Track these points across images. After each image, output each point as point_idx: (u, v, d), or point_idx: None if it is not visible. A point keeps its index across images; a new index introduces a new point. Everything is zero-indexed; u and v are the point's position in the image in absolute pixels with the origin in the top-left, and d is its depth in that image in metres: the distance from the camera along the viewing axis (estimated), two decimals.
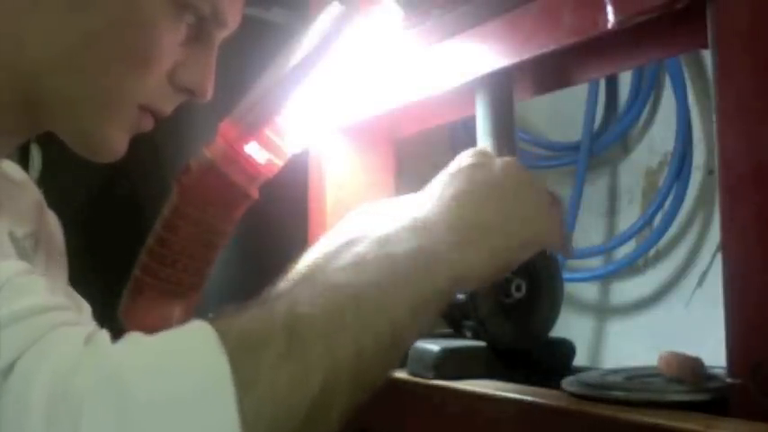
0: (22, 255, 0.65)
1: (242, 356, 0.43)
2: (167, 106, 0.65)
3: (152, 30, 0.60)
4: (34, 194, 0.74)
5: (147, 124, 0.65)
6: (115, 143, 0.63)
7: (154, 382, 0.41)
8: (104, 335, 0.45)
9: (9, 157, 0.69)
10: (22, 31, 0.58)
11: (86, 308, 0.78)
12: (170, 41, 0.61)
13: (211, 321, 0.46)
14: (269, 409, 0.42)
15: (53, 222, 0.77)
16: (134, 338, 0.44)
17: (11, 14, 0.58)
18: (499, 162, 0.61)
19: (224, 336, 0.43)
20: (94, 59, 0.59)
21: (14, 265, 0.46)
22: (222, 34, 0.66)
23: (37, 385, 0.40)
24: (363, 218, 0.71)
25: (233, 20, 0.65)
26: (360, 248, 0.53)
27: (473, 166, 0.60)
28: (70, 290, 0.77)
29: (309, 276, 0.52)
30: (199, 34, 0.64)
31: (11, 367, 0.40)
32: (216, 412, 0.41)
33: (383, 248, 0.53)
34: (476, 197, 0.58)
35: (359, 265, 0.52)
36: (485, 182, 0.59)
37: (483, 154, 0.62)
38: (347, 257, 0.52)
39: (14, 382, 0.40)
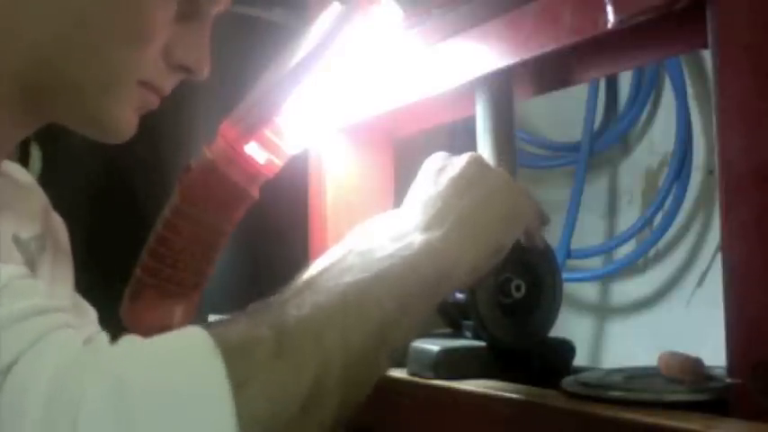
0: (28, 258, 0.65)
1: (235, 357, 0.43)
2: (166, 84, 0.65)
3: (143, 5, 0.60)
4: (41, 198, 0.74)
5: (153, 102, 0.65)
6: (122, 122, 0.63)
7: (151, 382, 0.41)
8: (103, 337, 0.45)
9: (10, 155, 0.69)
10: (15, 18, 0.58)
11: (92, 313, 0.77)
12: (162, 17, 0.61)
13: (204, 327, 0.46)
14: (263, 407, 0.43)
15: (59, 226, 0.76)
16: (131, 340, 0.45)
17: (3, 1, 0.58)
18: (465, 165, 0.63)
19: (217, 338, 0.44)
20: (88, 39, 0.59)
21: (13, 269, 0.47)
22: (215, 10, 0.66)
23: (35, 385, 0.40)
24: (359, 233, 0.71)
25: None
26: (345, 261, 0.55)
27: (453, 168, 0.62)
28: (77, 296, 0.76)
29: (296, 290, 0.53)
30: (191, 11, 0.63)
31: (9, 368, 0.40)
32: (213, 412, 0.41)
33: (366, 255, 0.54)
34: (462, 199, 0.60)
35: (343, 271, 0.53)
36: (468, 182, 0.61)
37: (474, 163, 0.63)
38: (333, 270, 0.54)
39: (13, 383, 0.40)
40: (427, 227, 0.58)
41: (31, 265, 0.65)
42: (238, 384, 0.42)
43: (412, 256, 0.55)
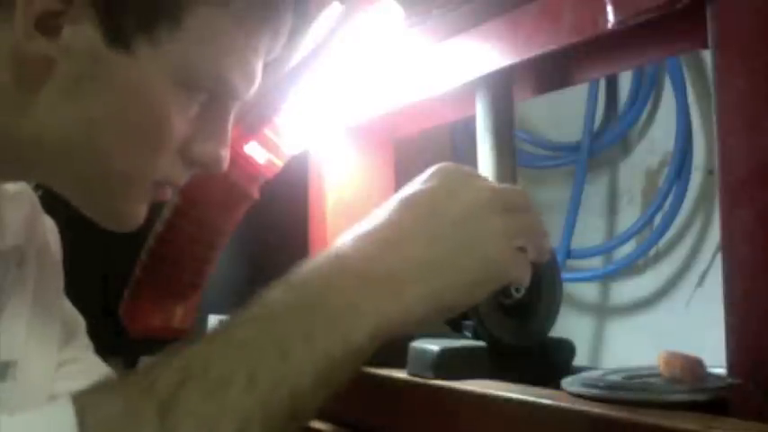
0: (4, 267, 0.63)
1: None
2: (181, 179, 0.62)
3: (160, 114, 0.57)
4: (26, 205, 0.71)
5: (165, 194, 0.63)
6: (130, 217, 0.61)
7: None
8: None
9: None
10: (17, 124, 0.55)
11: (80, 324, 0.76)
12: (180, 121, 0.58)
13: (80, 398, 0.42)
14: None
15: (49, 230, 0.74)
16: None
17: (5, 102, 0.54)
18: (453, 184, 0.54)
19: (88, 420, 0.40)
20: (96, 146, 0.56)
21: None
22: (237, 104, 0.62)
23: None
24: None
25: (247, 91, 0.61)
26: (274, 294, 0.49)
27: (421, 192, 0.54)
28: (66, 304, 0.75)
29: (213, 334, 0.48)
30: (211, 107, 0.60)
31: None
32: None
33: (295, 297, 0.49)
34: (417, 229, 0.52)
35: (263, 320, 0.48)
36: (431, 211, 0.53)
37: (440, 174, 0.55)
38: (257, 308, 0.49)
39: None
40: (374, 270, 0.50)
41: (5, 276, 0.64)
42: None
43: (345, 317, 0.48)
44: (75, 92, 0.55)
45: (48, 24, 0.52)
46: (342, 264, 0.50)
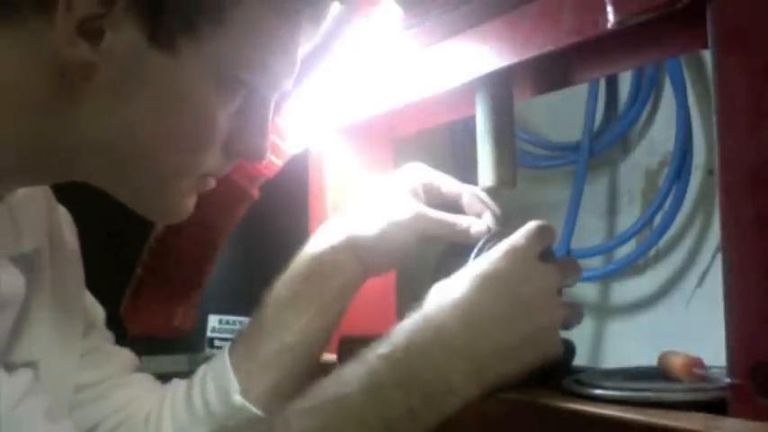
0: (31, 272, 0.62)
1: None
2: (224, 171, 0.64)
3: (205, 115, 0.57)
4: (42, 203, 0.69)
5: (208, 185, 0.64)
6: (178, 212, 0.62)
7: None
8: None
9: None
10: (59, 128, 0.55)
11: (99, 315, 0.76)
12: (224, 118, 0.59)
13: None
14: None
15: (64, 221, 0.73)
16: None
17: (46, 108, 0.54)
18: (525, 267, 0.61)
19: None
20: (142, 149, 0.57)
21: (7, 395, 0.47)
22: (277, 94, 0.63)
23: None
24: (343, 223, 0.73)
25: (288, 80, 0.62)
26: (380, 363, 0.56)
27: (496, 273, 0.60)
28: (87, 295, 0.74)
29: (329, 403, 0.56)
30: (252, 99, 0.61)
31: None
32: None
33: (399, 374, 0.56)
34: (495, 311, 0.58)
35: (372, 396, 0.55)
36: (506, 294, 0.59)
37: (514, 254, 0.61)
38: (366, 381, 0.56)
39: None
40: (453, 355, 0.57)
41: (27, 280, 0.63)
42: None
43: (422, 395, 0.56)
44: (118, 95, 0.55)
45: (89, 28, 0.52)
46: (433, 337, 0.57)
